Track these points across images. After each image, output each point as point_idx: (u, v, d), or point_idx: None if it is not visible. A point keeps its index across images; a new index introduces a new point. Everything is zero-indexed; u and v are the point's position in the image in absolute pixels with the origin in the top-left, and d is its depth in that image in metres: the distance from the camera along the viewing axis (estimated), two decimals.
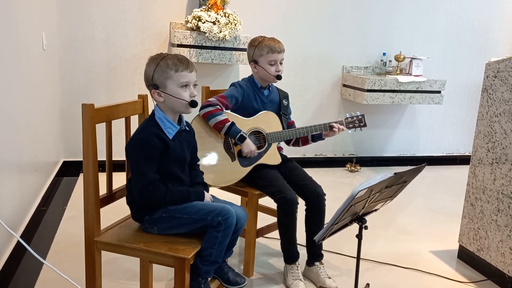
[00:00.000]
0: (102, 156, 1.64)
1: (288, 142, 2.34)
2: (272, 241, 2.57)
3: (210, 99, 2.10)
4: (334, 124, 2.22)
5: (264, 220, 2.41)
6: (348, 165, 4.20)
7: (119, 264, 2.22)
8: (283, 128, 2.22)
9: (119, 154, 2.00)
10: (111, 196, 1.73)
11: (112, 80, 3.63)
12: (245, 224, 1.75)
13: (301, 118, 4.03)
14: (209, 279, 1.69)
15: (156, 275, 2.07)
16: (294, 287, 2.08)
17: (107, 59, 3.59)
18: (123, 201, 1.77)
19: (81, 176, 3.52)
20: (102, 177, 1.63)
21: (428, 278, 2.32)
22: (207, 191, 1.77)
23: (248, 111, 2.17)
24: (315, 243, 1.85)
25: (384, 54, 4.14)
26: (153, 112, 1.67)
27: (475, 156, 2.39)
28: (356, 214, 1.70)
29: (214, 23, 3.34)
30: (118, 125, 1.84)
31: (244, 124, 2.14)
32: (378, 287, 2.20)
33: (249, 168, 2.12)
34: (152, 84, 1.63)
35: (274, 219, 2.19)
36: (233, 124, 2.05)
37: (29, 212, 2.58)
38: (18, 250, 2.19)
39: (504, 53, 4.52)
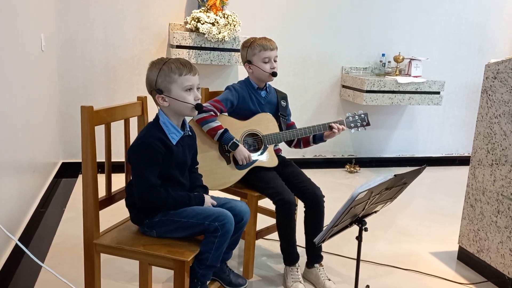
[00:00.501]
0: (101, 157, 1.64)
1: (289, 144, 2.34)
2: (272, 243, 2.56)
3: (204, 104, 2.09)
4: (333, 125, 2.20)
5: (263, 221, 2.40)
6: (348, 166, 4.20)
7: (118, 266, 2.22)
8: (281, 130, 2.22)
9: (118, 155, 2.00)
10: (110, 199, 1.73)
11: (111, 80, 3.62)
12: (249, 219, 1.76)
13: (300, 118, 4.02)
14: (208, 281, 1.69)
15: (155, 276, 2.06)
16: None
17: (106, 59, 3.58)
18: (122, 203, 1.76)
19: (80, 177, 3.51)
20: (101, 178, 1.63)
21: (427, 279, 2.32)
22: (207, 193, 1.77)
23: (245, 113, 2.17)
24: (314, 245, 1.85)
25: (383, 55, 4.14)
26: (157, 116, 1.66)
27: (475, 157, 2.39)
28: (356, 216, 1.70)
29: (213, 24, 3.33)
30: (117, 126, 1.83)
31: (240, 126, 2.13)
32: None
33: (245, 171, 2.11)
34: (156, 89, 1.62)
35: (273, 221, 2.18)
36: (226, 131, 2.05)
37: (27, 213, 2.57)
38: (17, 252, 2.18)
39: (503, 53, 4.52)
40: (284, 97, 2.33)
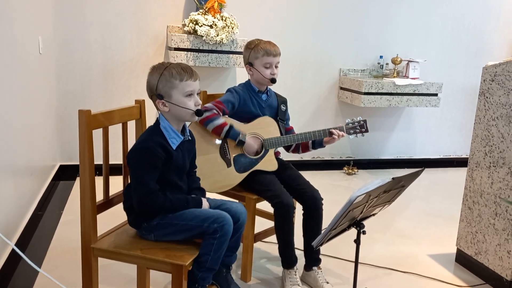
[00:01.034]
0: (98, 159, 1.63)
1: (287, 149, 2.33)
2: (270, 246, 2.56)
3: (206, 105, 2.09)
4: (333, 131, 2.19)
5: (262, 224, 2.40)
6: (346, 168, 4.20)
7: (116, 270, 2.21)
8: (281, 134, 2.22)
9: (116, 157, 1.99)
10: (108, 202, 1.72)
11: (108, 83, 3.61)
12: (246, 220, 1.76)
13: (298, 120, 4.03)
14: (208, 285, 1.69)
15: (153, 279, 2.06)
16: None
17: (104, 62, 3.58)
18: (120, 206, 1.76)
19: (78, 180, 3.50)
20: (99, 180, 1.62)
21: (426, 282, 2.32)
22: (204, 196, 1.77)
23: (246, 116, 2.17)
24: (313, 248, 1.84)
25: (381, 57, 4.15)
26: (157, 120, 1.66)
27: (473, 160, 2.39)
28: (354, 219, 1.70)
29: (211, 26, 3.33)
30: (115, 128, 1.83)
31: (242, 129, 2.13)
32: None
33: (245, 174, 2.11)
34: (156, 94, 1.62)
35: (272, 223, 2.18)
36: (231, 127, 2.05)
37: (25, 217, 2.56)
38: (14, 256, 2.17)
39: (500, 55, 4.54)
40: (284, 101, 2.33)
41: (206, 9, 3.42)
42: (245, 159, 2.13)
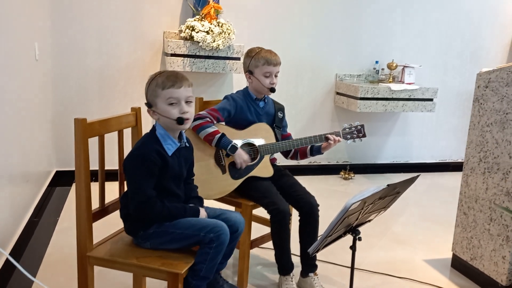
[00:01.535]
0: (94, 165, 1.64)
1: (286, 155, 2.34)
2: (267, 252, 2.56)
3: (200, 112, 2.10)
4: (329, 136, 2.19)
5: (258, 230, 2.40)
6: (342, 173, 4.21)
7: (112, 277, 2.20)
8: (277, 140, 2.22)
9: (112, 163, 1.99)
10: (104, 210, 1.73)
11: (105, 89, 3.62)
12: (244, 229, 1.76)
13: (295, 126, 4.04)
14: None
15: (149, 286, 2.06)
16: None
17: (100, 68, 3.58)
18: (116, 213, 1.76)
19: (74, 185, 3.50)
20: (95, 186, 1.62)
21: (421, 287, 2.33)
22: (202, 205, 1.78)
23: (242, 123, 2.17)
24: (309, 254, 1.85)
25: (376, 62, 4.17)
26: (153, 127, 1.67)
27: (467, 166, 2.40)
28: (350, 226, 1.71)
29: (207, 32, 3.35)
30: (111, 134, 1.83)
31: (237, 136, 2.14)
32: None
33: (240, 181, 2.12)
34: (146, 102, 1.64)
35: (268, 229, 2.18)
36: (223, 135, 2.04)
37: (20, 224, 2.55)
38: (9, 265, 2.16)
39: (496, 60, 4.57)
40: (281, 108, 2.34)
41: (203, 15, 3.43)
42: None
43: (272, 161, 2.26)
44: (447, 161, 4.68)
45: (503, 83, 2.16)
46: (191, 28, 3.36)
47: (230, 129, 2.15)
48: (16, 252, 2.34)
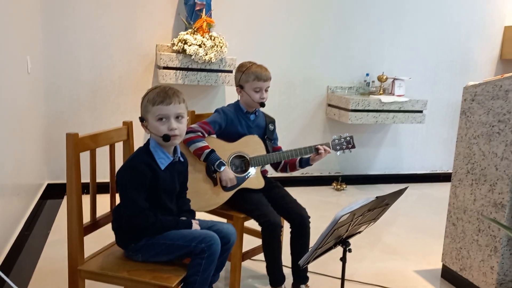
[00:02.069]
0: (86, 177, 1.65)
1: (275, 168, 2.36)
2: (258, 264, 2.57)
3: (192, 126, 2.12)
4: (319, 147, 2.22)
5: (250, 242, 2.41)
6: (334, 184, 4.24)
7: None
8: (268, 152, 2.25)
9: (104, 175, 2.00)
10: (95, 224, 1.73)
11: (97, 101, 3.63)
12: (235, 240, 1.77)
13: (287, 137, 4.07)
14: None
15: None
16: None
17: (92, 81, 3.60)
18: (107, 226, 1.77)
19: (65, 198, 3.49)
20: (86, 199, 1.63)
21: None
22: (194, 218, 1.79)
23: (233, 136, 2.20)
24: (300, 266, 1.86)
25: (367, 74, 4.23)
26: (148, 141, 1.69)
27: (456, 177, 2.44)
28: (340, 237, 1.72)
29: (200, 46, 3.38)
30: (103, 147, 1.84)
31: (227, 148, 2.16)
32: None
33: (231, 193, 2.13)
34: (139, 117, 1.67)
35: (260, 241, 2.19)
36: (212, 151, 2.07)
37: (11, 237, 2.54)
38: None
39: (484, 72, 4.65)
40: (272, 121, 2.36)
41: (195, 29, 3.47)
42: None
43: (263, 173, 2.28)
44: (437, 171, 4.73)
45: (488, 96, 2.21)
46: (183, 42, 3.39)
47: (221, 142, 2.17)
48: (7, 265, 2.32)
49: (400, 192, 1.76)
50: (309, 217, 2.16)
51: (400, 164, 4.61)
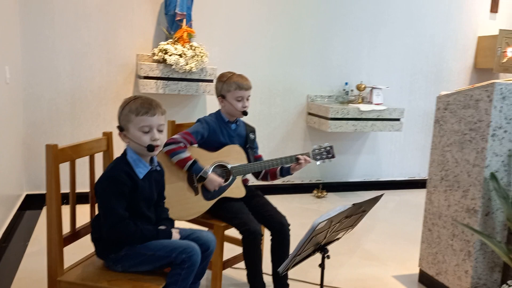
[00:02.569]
0: (65, 187, 1.65)
1: (256, 176, 2.39)
2: (239, 272, 2.58)
3: (174, 136, 2.14)
4: (300, 156, 2.27)
5: (231, 250, 2.43)
6: (315, 191, 4.29)
7: None
8: (249, 161, 2.28)
9: (83, 185, 2.00)
10: (75, 235, 1.73)
11: (77, 111, 3.61)
12: (215, 248, 1.79)
13: (268, 146, 4.11)
14: None
15: None
16: None
17: (72, 91, 3.58)
18: (87, 236, 1.77)
19: (44, 209, 3.45)
20: (66, 209, 1.63)
21: None
22: (173, 226, 1.80)
23: (215, 145, 2.22)
24: (280, 273, 1.89)
25: (346, 83, 4.31)
26: (125, 151, 1.70)
27: (430, 184, 2.51)
28: (318, 244, 1.76)
29: (180, 55, 3.41)
30: (83, 157, 1.85)
31: (209, 158, 2.18)
32: None
33: (212, 202, 2.16)
34: (118, 126, 1.68)
35: (241, 249, 2.21)
36: (195, 162, 2.09)
37: None
38: None
39: (459, 81, 4.79)
40: (252, 130, 2.40)
41: (176, 39, 3.49)
42: None
43: (244, 182, 2.31)
44: (415, 178, 4.83)
45: (460, 105, 2.30)
46: (164, 51, 3.41)
47: (202, 151, 2.19)
48: None
49: (376, 199, 1.81)
50: (289, 224, 2.20)
51: (379, 171, 4.69)
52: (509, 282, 2.05)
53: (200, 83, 3.55)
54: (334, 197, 4.30)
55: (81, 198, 1.92)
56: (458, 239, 2.30)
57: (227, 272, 2.56)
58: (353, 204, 1.68)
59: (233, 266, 2.50)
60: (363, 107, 4.00)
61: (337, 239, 1.88)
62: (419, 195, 4.51)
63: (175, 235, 1.73)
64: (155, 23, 3.71)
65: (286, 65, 4.17)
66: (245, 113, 2.25)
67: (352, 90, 4.31)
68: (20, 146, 3.41)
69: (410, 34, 4.54)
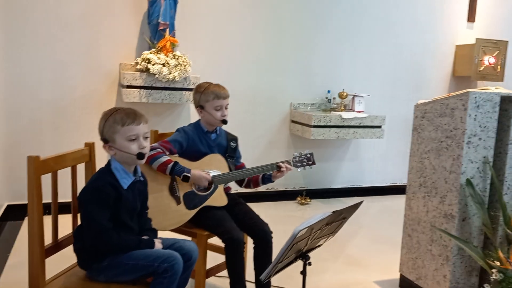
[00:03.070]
0: (47, 197, 1.65)
1: (240, 184, 2.42)
2: (222, 280, 2.59)
3: (152, 145, 2.14)
4: (281, 164, 2.30)
5: (214, 259, 2.44)
6: (299, 198, 4.33)
7: None
8: (230, 170, 2.30)
9: (65, 195, 2.00)
10: (57, 246, 1.73)
11: (59, 121, 3.59)
12: (197, 257, 1.81)
13: (252, 154, 4.14)
14: None
15: None
16: None
17: (55, 99, 3.56)
18: (69, 247, 1.77)
19: (26, 219, 3.41)
20: (47, 219, 1.63)
21: None
22: (156, 236, 1.82)
23: (195, 155, 2.24)
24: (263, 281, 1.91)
25: (328, 91, 4.38)
26: (109, 162, 1.71)
27: (410, 190, 2.57)
28: (300, 251, 1.79)
29: (163, 65, 3.42)
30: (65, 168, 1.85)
31: (191, 167, 2.20)
32: None
33: (194, 211, 2.17)
34: (102, 138, 1.69)
35: (224, 258, 2.23)
36: (176, 163, 2.11)
37: None
38: None
39: (438, 89, 4.90)
40: (234, 139, 2.42)
41: (159, 48, 3.51)
42: (194, 195, 2.19)
43: (226, 190, 2.33)
44: (397, 184, 4.91)
45: (437, 113, 2.36)
46: (147, 61, 3.43)
47: (184, 161, 2.21)
48: None
49: (356, 206, 1.85)
50: (271, 232, 2.22)
51: (361, 178, 4.76)
52: (485, 285, 2.11)
53: (184, 92, 3.57)
54: (318, 203, 4.34)
55: (63, 208, 1.91)
56: (436, 244, 2.36)
57: (211, 280, 2.57)
58: (333, 212, 1.72)
59: (217, 275, 2.51)
60: (345, 114, 4.06)
61: (319, 246, 1.91)
62: (401, 201, 4.57)
63: (158, 245, 1.74)
64: (138, 33, 3.72)
65: (269, 74, 4.21)
66: (224, 122, 2.28)
67: (334, 98, 4.37)
68: (1, 155, 3.38)
69: (390, 43, 4.63)
